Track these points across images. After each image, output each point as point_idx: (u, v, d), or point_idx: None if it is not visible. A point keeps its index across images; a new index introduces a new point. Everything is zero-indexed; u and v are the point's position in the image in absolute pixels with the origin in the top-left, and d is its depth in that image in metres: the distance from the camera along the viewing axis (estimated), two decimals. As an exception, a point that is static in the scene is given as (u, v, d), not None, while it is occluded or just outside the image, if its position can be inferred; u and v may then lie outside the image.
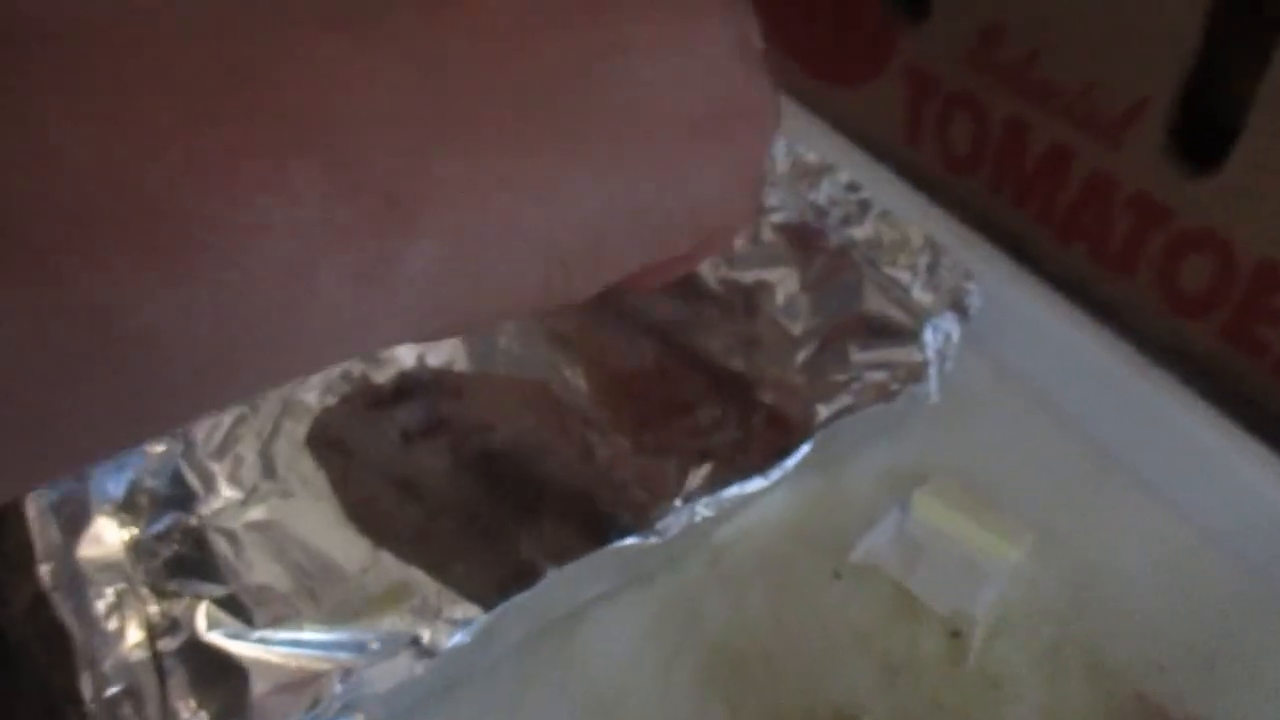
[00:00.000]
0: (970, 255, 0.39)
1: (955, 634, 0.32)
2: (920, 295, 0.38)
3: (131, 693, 0.27)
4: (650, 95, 0.20)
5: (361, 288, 0.16)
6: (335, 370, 0.36)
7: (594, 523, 0.32)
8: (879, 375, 0.36)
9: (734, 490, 0.33)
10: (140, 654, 0.28)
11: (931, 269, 0.38)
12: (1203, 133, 0.33)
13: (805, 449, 0.34)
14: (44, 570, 0.29)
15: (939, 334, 0.37)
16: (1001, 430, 0.37)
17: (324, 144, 0.16)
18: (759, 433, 0.35)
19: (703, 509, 0.33)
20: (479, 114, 0.18)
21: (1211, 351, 0.36)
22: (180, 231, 0.14)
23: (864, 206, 0.40)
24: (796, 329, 0.38)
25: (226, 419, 0.34)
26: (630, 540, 0.31)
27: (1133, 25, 0.33)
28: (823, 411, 0.35)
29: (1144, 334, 0.37)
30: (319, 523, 0.31)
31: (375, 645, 0.28)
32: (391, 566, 0.30)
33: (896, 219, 0.39)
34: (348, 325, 0.16)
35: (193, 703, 0.27)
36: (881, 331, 0.38)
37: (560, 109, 0.19)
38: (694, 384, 0.37)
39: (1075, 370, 0.37)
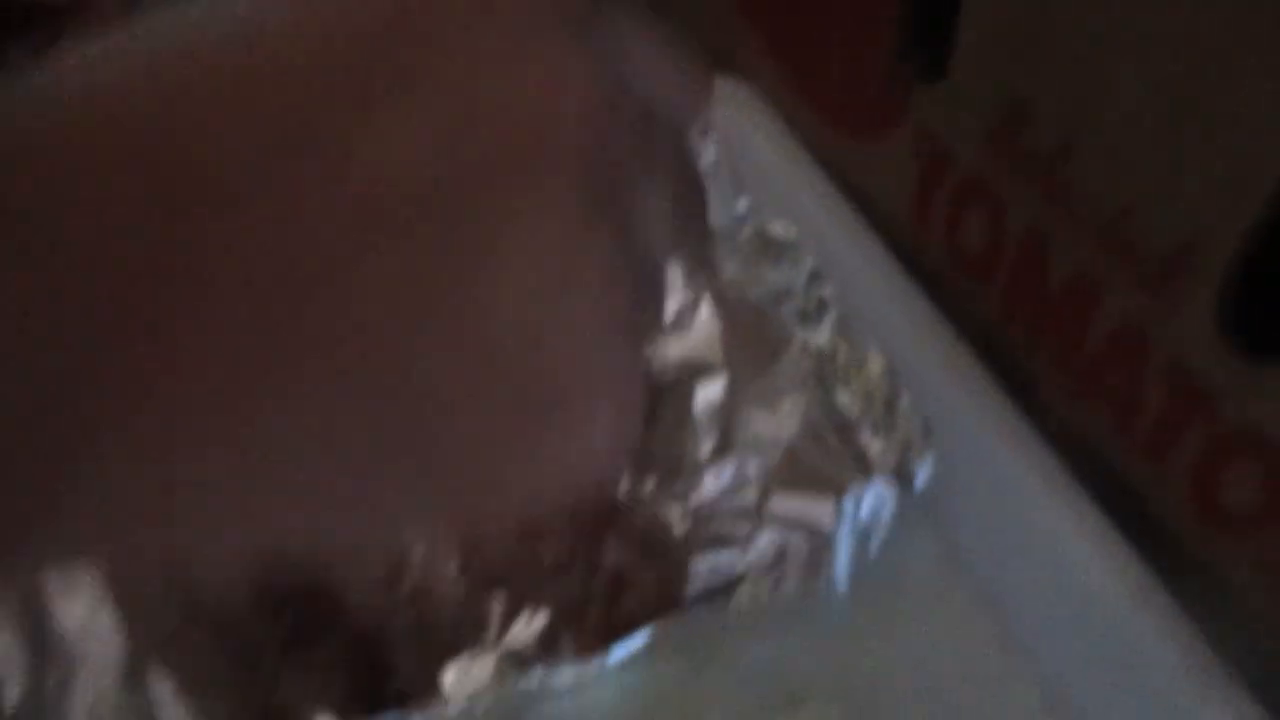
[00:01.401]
0: (950, 390, 0.30)
1: None
2: (867, 439, 0.29)
3: None
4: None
5: None
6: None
7: (369, 677, 0.26)
8: (785, 539, 0.27)
9: (533, 680, 0.25)
10: None
11: (889, 407, 0.29)
12: (1265, 311, 0.23)
13: (639, 640, 0.25)
14: None
15: (864, 505, 0.27)
16: (933, 643, 0.28)
17: None
18: (599, 593, 0.27)
19: (494, 700, 0.25)
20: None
21: (1250, 587, 0.26)
22: None
23: (823, 307, 0.31)
24: (704, 449, 0.29)
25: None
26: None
27: (1196, 137, 0.23)
28: (696, 580, 0.27)
29: (1167, 545, 0.27)
30: (77, 594, 0.26)
31: None
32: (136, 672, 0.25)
33: (855, 334, 0.30)
34: None
35: None
36: (805, 477, 0.29)
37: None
38: (552, 503, 0.29)
39: (1054, 581, 0.27)
